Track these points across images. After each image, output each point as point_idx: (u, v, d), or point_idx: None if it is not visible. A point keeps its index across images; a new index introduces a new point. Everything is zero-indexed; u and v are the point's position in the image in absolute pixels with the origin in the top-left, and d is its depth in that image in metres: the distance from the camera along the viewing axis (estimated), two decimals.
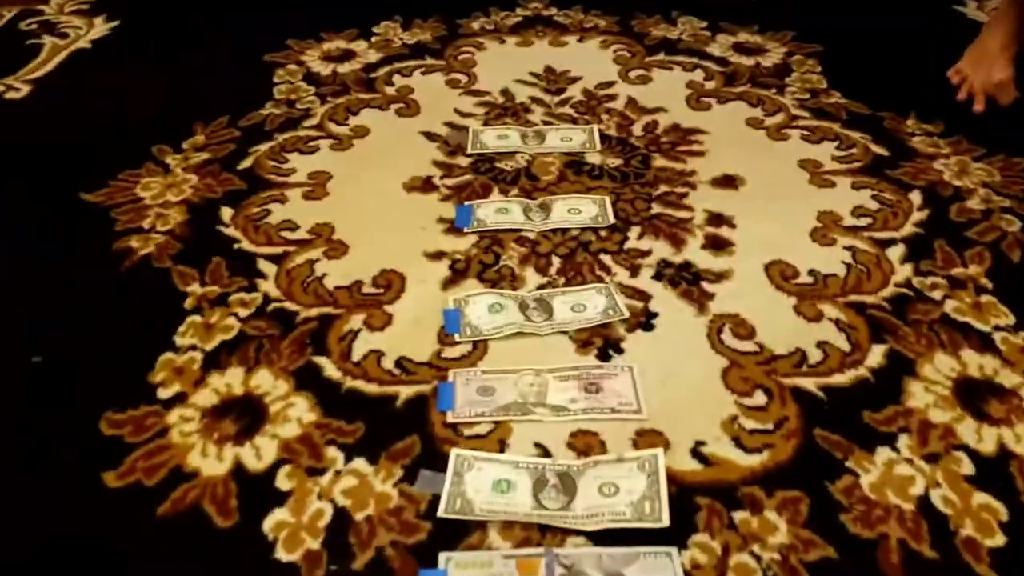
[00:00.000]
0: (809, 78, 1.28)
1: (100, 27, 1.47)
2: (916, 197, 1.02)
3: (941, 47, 1.30)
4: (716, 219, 0.98)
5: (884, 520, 0.65)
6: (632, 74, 1.30)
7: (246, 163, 1.09)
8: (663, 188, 1.04)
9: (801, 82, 1.27)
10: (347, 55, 1.36)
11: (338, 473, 0.69)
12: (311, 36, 1.42)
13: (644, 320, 0.84)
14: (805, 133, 1.15)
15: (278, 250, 0.94)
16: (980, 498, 0.67)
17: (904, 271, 0.90)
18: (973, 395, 0.76)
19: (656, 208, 1.00)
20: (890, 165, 1.08)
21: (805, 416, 0.74)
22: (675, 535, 0.63)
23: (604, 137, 1.14)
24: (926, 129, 1.15)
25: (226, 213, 1.00)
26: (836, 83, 1.26)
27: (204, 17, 1.50)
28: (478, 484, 0.67)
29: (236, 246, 0.95)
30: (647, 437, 0.72)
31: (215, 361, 0.80)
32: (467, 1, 1.53)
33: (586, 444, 0.71)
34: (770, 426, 0.73)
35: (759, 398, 0.76)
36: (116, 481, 0.68)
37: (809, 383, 0.77)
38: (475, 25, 1.46)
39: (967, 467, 0.69)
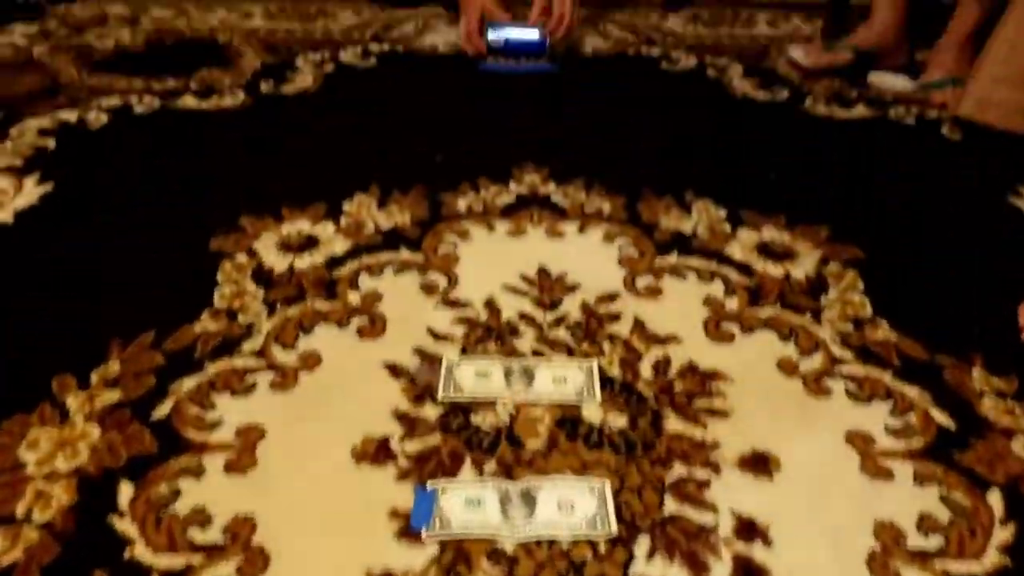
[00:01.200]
0: (851, 300, 1.08)
1: (29, 191, 1.27)
2: (996, 500, 0.81)
3: (1001, 260, 1.11)
4: (747, 529, 0.77)
5: None
6: (640, 283, 1.10)
7: (163, 409, 0.88)
8: (678, 469, 0.83)
9: (841, 305, 1.07)
10: (309, 243, 1.17)
11: None
12: (271, 210, 1.22)
13: None
14: (850, 386, 0.94)
15: (180, 561, 0.73)
16: None
17: None
18: None
19: (670, 505, 0.79)
20: (958, 443, 0.87)
21: None
22: None
23: (605, 379, 0.93)
24: (997, 387, 0.94)
25: (125, 493, 0.79)
26: (882, 307, 1.06)
27: (151, 183, 1.31)
28: None
29: (127, 554, 0.73)
30: None
31: None
32: (455, 170, 1.35)
33: None
34: None
35: None
36: None
37: None
38: (461, 204, 1.27)
39: None
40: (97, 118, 1.50)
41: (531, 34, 1.79)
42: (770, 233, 1.22)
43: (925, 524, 0.78)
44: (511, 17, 1.86)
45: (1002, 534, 0.78)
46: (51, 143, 1.41)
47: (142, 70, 1.69)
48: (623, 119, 1.60)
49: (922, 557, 0.75)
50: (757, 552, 0.75)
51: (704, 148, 1.49)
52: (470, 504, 0.78)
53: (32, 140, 1.42)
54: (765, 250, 1.18)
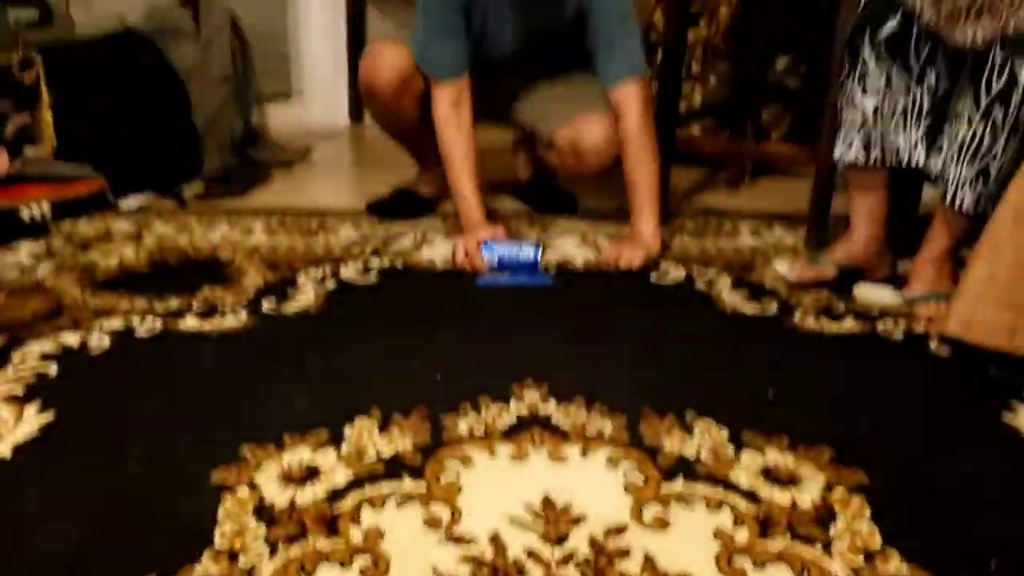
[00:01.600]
0: (859, 529, 1.07)
1: (29, 421, 1.27)
2: None
3: (1006, 485, 1.11)
4: None
5: None
6: (647, 513, 1.09)
7: None
8: None
9: (850, 535, 1.06)
10: (311, 474, 1.16)
11: None
12: (272, 437, 1.22)
13: None
14: None
15: None
16: None
17: None
18: None
19: None
20: None
21: None
22: None
23: None
24: None
25: None
26: (892, 536, 1.05)
27: (152, 411, 1.31)
28: None
29: None
30: None
31: None
32: (455, 389, 1.36)
33: None
34: None
35: None
36: None
37: None
38: (462, 427, 1.28)
39: None
40: (99, 342, 1.52)
41: (526, 253, 1.86)
42: (773, 456, 1.22)
43: None
44: (506, 232, 1.93)
45: None
46: (53, 369, 1.42)
47: (145, 289, 1.73)
48: (619, 332, 1.63)
49: None
50: None
51: (700, 364, 1.52)
52: None
53: (34, 365, 1.43)
54: (770, 476, 1.18)
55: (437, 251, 2.01)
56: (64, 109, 2.10)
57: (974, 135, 1.56)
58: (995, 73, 1.52)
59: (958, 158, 1.59)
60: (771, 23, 2.52)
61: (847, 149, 1.78)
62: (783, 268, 1.87)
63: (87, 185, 2.20)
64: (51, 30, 2.34)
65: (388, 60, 2.04)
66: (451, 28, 1.96)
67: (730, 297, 1.78)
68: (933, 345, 1.58)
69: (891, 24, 1.66)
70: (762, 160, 2.58)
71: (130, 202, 2.30)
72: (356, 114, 3.42)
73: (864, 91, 1.72)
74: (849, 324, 1.67)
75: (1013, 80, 1.49)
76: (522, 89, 2.17)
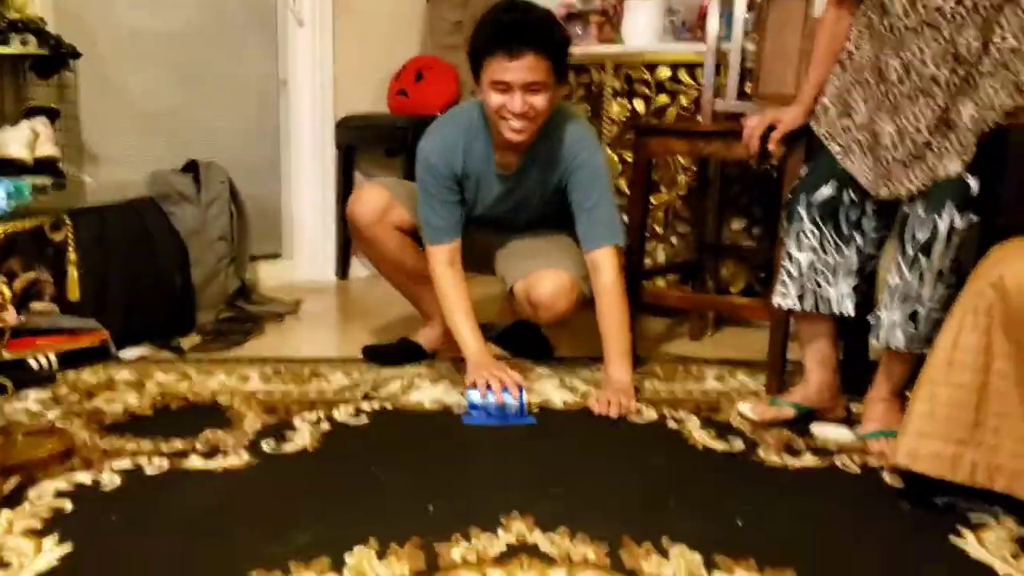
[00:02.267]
0: None
1: (48, 552, 1.36)
2: None
3: None
4: None
5: None
6: None
7: None
8: None
9: None
10: None
11: None
12: (279, 565, 1.31)
13: None
14: None
15: None
16: None
17: None
18: None
19: None
20: None
21: None
22: None
23: None
24: None
25: None
26: None
27: (163, 548, 1.41)
28: None
29: None
30: None
31: None
32: (447, 519, 1.46)
33: None
34: None
35: None
36: None
37: None
38: (455, 554, 1.38)
39: None
40: (111, 480, 1.61)
41: (510, 403, 2.00)
42: (741, 574, 1.33)
43: None
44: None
45: None
46: (68, 505, 1.51)
47: (151, 432, 1.84)
48: (598, 467, 1.76)
49: None
50: None
51: (674, 495, 1.63)
52: None
53: (49, 502, 1.52)
54: None
55: (425, 394, 2.14)
56: (79, 267, 2.27)
57: (903, 282, 1.76)
58: (917, 225, 1.73)
59: (889, 303, 1.78)
60: (724, 189, 2.77)
61: (783, 298, 1.97)
62: (746, 409, 2.02)
63: (90, 337, 2.33)
64: (64, 195, 2.52)
65: (367, 197, 2.36)
66: (443, 201, 2.21)
67: (700, 435, 1.92)
68: (887, 478, 1.71)
69: (825, 191, 1.89)
70: (723, 311, 2.77)
71: (129, 353, 2.42)
72: (342, 272, 3.61)
73: (799, 247, 1.93)
74: (808, 459, 1.81)
75: (934, 234, 1.70)
76: (500, 243, 2.37)
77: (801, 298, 1.94)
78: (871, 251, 1.92)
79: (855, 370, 2.12)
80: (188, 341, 2.58)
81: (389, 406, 2.06)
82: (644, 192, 2.48)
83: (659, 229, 2.93)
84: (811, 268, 1.92)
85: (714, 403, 2.14)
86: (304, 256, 3.57)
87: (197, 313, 2.75)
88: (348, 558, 1.35)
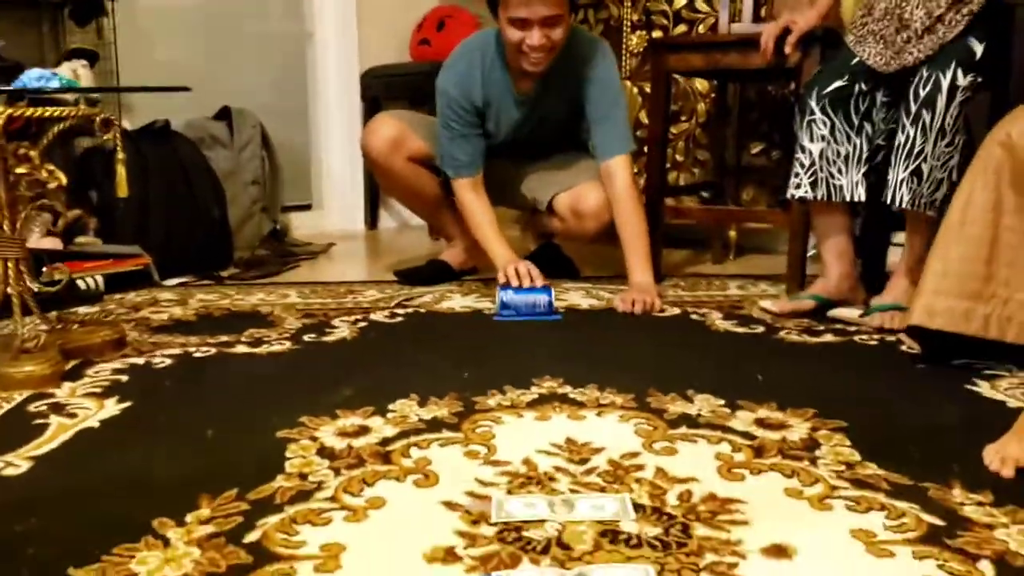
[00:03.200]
0: (840, 451, 1.24)
1: (111, 407, 1.45)
2: (987, 566, 0.93)
3: (968, 428, 1.29)
4: None
5: None
6: (657, 446, 1.27)
7: (253, 536, 1.00)
8: (710, 557, 0.95)
9: (833, 454, 1.23)
10: (363, 431, 1.33)
11: None
12: (326, 412, 1.40)
13: None
14: (849, 503, 1.08)
15: None
16: None
17: None
18: None
19: None
20: (948, 535, 1.00)
21: None
22: None
23: (637, 506, 1.07)
24: (976, 499, 1.09)
25: None
26: (868, 455, 1.22)
27: (216, 398, 1.50)
28: None
29: None
30: None
31: None
32: (482, 382, 1.54)
33: None
34: None
35: None
36: None
37: None
38: (491, 402, 1.45)
39: None
40: (162, 361, 1.71)
41: (540, 297, 2.07)
42: (765, 412, 1.40)
43: None
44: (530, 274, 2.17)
45: None
46: (124, 378, 1.60)
47: (197, 331, 1.93)
48: (622, 344, 1.85)
49: None
50: None
51: (696, 361, 1.71)
52: None
53: (108, 376, 1.61)
54: (763, 423, 1.35)
55: (456, 302, 2.22)
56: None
57: (907, 138, 1.83)
58: (922, 83, 1.80)
59: (894, 162, 1.84)
60: (743, 115, 2.83)
61: (797, 188, 2.04)
62: (767, 304, 2.08)
63: (135, 262, 2.43)
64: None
65: (379, 128, 2.45)
66: (466, 135, 2.30)
67: (722, 323, 1.98)
68: (904, 347, 1.77)
69: (836, 84, 1.95)
70: (743, 221, 2.82)
71: (171, 281, 2.52)
72: (371, 222, 3.70)
73: (811, 138, 1.99)
74: (829, 337, 1.87)
75: (937, 87, 1.77)
76: (523, 171, 2.45)
77: (814, 186, 2.00)
78: (881, 141, 1.98)
79: (871, 283, 2.17)
80: (226, 272, 2.68)
81: (423, 310, 2.15)
82: (664, 110, 2.54)
83: (680, 158, 2.99)
84: (823, 157, 1.98)
85: (736, 303, 2.20)
86: (334, 206, 3.66)
87: (234, 251, 2.85)
88: (391, 407, 1.43)
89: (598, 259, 2.62)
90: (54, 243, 2.38)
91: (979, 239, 1.56)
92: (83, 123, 1.75)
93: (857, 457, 1.22)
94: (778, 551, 0.97)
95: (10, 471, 1.20)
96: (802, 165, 2.02)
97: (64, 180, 1.61)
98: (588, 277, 2.54)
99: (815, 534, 1.01)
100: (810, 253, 2.37)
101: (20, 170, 1.59)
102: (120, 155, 1.74)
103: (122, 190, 1.76)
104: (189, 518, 1.05)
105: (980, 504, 1.07)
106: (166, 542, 0.99)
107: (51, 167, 1.61)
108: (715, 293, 2.33)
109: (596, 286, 2.41)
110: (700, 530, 1.02)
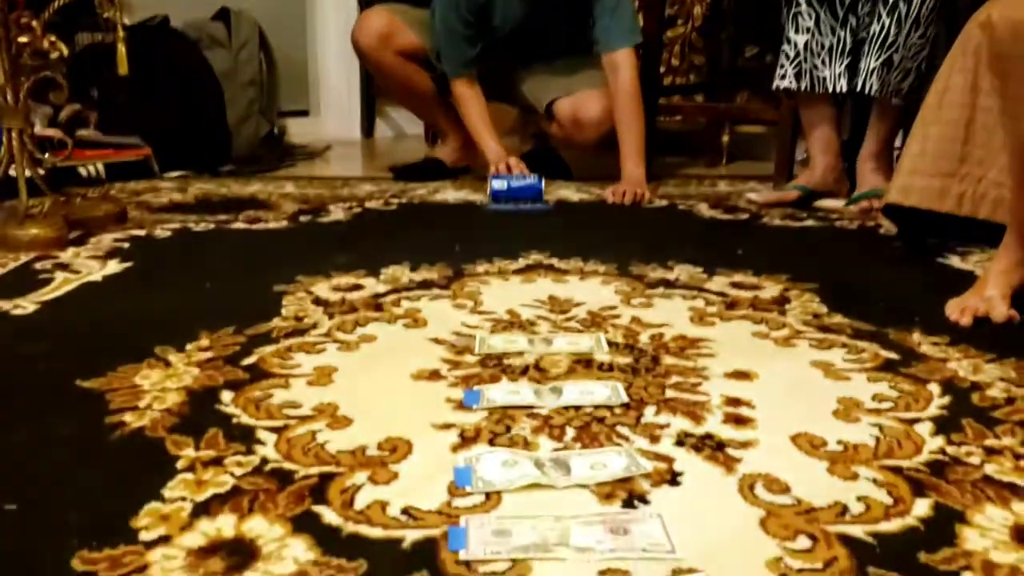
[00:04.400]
0: (809, 306, 1.31)
1: (113, 267, 1.51)
2: (935, 387, 1.00)
3: (934, 290, 1.35)
4: (734, 402, 0.96)
5: None
6: (634, 302, 1.33)
7: (250, 360, 1.07)
8: (675, 378, 1.02)
9: (802, 307, 1.30)
10: (356, 287, 1.39)
11: None
12: (321, 272, 1.46)
13: (670, 477, 0.79)
14: (813, 343, 1.15)
15: (279, 423, 0.90)
16: None
17: (935, 442, 0.86)
18: None
19: (671, 392, 0.98)
20: (903, 365, 1.07)
21: (856, 557, 0.67)
22: None
23: (610, 343, 1.14)
24: (933, 340, 1.15)
25: (226, 396, 0.97)
26: (836, 309, 1.29)
27: (216, 258, 1.56)
28: None
29: (235, 420, 0.91)
30: None
31: (205, 509, 0.73)
32: (472, 254, 1.60)
33: None
34: (819, 565, 0.66)
35: (803, 542, 0.69)
36: None
37: (856, 530, 0.71)
38: (480, 269, 1.51)
39: None
40: (162, 233, 1.76)
41: (532, 182, 2.12)
42: (740, 277, 1.46)
43: (878, 398, 0.97)
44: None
45: (940, 400, 0.97)
46: (126, 245, 1.66)
47: (196, 212, 1.98)
48: (608, 226, 1.91)
49: (877, 411, 0.94)
50: (744, 411, 0.93)
51: (678, 239, 1.76)
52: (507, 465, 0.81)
53: (109, 244, 1.67)
54: (737, 285, 1.42)
55: (449, 195, 2.27)
56: (115, 84, 2.40)
57: (882, 27, 1.87)
58: None
59: (867, 51, 1.89)
60: (739, 18, 2.84)
61: (782, 79, 2.07)
62: (752, 194, 2.13)
63: (135, 152, 2.47)
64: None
65: (369, 22, 2.46)
66: (465, 36, 2.31)
67: (708, 212, 2.04)
68: (882, 230, 1.83)
69: None
70: (735, 116, 2.85)
71: (171, 175, 2.56)
72: (368, 130, 3.73)
73: (796, 30, 2.02)
74: (810, 222, 1.92)
75: None
76: (523, 69, 2.47)
77: (798, 77, 2.04)
78: (864, 34, 2.00)
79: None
80: (224, 168, 2.72)
81: (416, 201, 2.20)
82: (660, 11, 2.55)
83: (676, 62, 3.01)
84: (807, 49, 2.01)
85: (724, 196, 2.25)
86: (331, 113, 3.68)
87: (232, 150, 2.89)
88: (384, 270, 1.49)
89: (593, 164, 2.66)
90: (56, 134, 2.42)
91: (956, 120, 1.60)
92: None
93: (824, 310, 1.29)
94: (740, 375, 1.04)
95: (19, 311, 1.26)
96: (787, 56, 2.05)
97: (65, 50, 1.65)
98: (580, 178, 2.58)
99: (777, 365, 1.08)
100: (800, 157, 2.42)
101: (22, 39, 1.62)
102: (120, 32, 1.77)
103: (123, 68, 1.79)
104: (189, 347, 1.11)
105: (936, 344, 1.14)
106: (167, 363, 1.06)
107: (53, 37, 1.64)
108: (705, 190, 2.38)
109: (588, 184, 2.45)
110: (668, 360, 1.08)
